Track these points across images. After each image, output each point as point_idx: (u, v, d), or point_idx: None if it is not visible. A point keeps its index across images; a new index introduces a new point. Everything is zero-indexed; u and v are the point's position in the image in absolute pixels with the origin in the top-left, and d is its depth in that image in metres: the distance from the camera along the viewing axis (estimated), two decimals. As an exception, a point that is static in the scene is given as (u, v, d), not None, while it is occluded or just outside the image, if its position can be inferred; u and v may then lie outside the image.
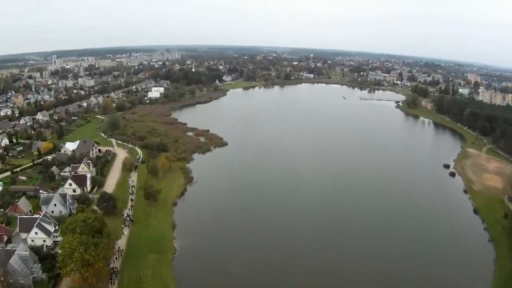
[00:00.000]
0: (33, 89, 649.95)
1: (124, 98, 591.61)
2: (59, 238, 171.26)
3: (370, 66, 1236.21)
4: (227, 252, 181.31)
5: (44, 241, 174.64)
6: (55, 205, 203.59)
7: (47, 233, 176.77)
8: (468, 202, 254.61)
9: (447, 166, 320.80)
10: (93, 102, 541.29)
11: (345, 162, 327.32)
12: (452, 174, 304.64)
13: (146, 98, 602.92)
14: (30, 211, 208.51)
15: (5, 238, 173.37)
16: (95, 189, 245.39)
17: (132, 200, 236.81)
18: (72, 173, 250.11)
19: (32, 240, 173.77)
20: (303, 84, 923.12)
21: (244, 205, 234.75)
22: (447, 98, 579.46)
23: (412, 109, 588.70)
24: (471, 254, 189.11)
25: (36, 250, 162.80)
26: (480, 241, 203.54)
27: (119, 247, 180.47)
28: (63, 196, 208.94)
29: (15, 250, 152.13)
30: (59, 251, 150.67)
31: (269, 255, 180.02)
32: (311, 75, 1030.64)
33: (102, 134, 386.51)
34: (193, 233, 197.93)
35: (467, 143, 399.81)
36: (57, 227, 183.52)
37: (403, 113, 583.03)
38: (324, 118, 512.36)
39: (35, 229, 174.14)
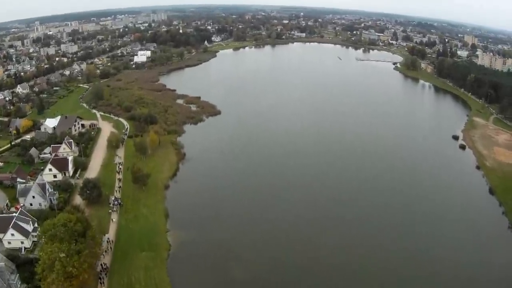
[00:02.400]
0: (13, 59, 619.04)
1: (109, 64, 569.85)
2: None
3: (363, 25, 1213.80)
4: (229, 247, 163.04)
5: (22, 242, 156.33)
6: (33, 197, 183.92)
7: (25, 233, 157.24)
8: (482, 181, 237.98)
9: (456, 138, 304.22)
10: (76, 70, 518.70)
11: (346, 130, 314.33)
12: (462, 147, 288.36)
13: (132, 63, 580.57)
14: (7, 204, 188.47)
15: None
16: (78, 172, 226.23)
17: (120, 180, 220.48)
18: (52, 155, 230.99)
19: (9, 242, 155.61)
20: (295, 43, 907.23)
21: (244, 185, 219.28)
22: (448, 62, 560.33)
23: (411, 72, 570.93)
24: (489, 243, 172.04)
25: (12, 257, 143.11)
26: (498, 228, 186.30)
27: (108, 239, 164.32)
28: (42, 186, 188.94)
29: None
30: (39, 255, 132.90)
31: (278, 249, 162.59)
32: (303, 34, 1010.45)
33: (85, 106, 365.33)
34: (189, 224, 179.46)
35: (472, 111, 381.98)
36: (36, 225, 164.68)
37: (402, 76, 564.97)
38: (321, 81, 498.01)
39: (11, 230, 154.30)
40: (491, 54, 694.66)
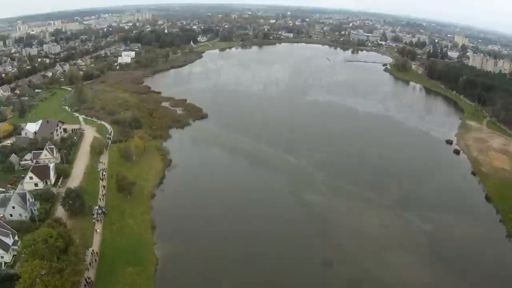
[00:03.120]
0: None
1: (92, 65, 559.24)
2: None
3: (351, 24, 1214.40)
4: (218, 261, 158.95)
5: (2, 257, 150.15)
6: (13, 207, 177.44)
7: (5, 247, 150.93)
8: (478, 187, 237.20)
9: (449, 142, 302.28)
10: (58, 71, 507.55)
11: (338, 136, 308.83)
12: (457, 152, 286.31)
13: (116, 64, 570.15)
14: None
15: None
16: (60, 180, 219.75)
17: (104, 187, 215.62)
18: (33, 162, 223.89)
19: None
20: (282, 44, 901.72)
21: (232, 193, 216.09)
22: (439, 63, 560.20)
23: (401, 73, 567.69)
24: (487, 252, 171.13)
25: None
26: (495, 236, 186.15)
27: (93, 251, 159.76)
28: (23, 196, 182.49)
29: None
30: (19, 272, 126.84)
31: (268, 263, 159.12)
32: (291, 34, 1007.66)
33: (68, 109, 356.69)
34: (176, 236, 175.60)
35: (465, 114, 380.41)
36: (16, 238, 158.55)
37: (392, 77, 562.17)
38: (311, 83, 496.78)
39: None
40: (482, 55, 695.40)
